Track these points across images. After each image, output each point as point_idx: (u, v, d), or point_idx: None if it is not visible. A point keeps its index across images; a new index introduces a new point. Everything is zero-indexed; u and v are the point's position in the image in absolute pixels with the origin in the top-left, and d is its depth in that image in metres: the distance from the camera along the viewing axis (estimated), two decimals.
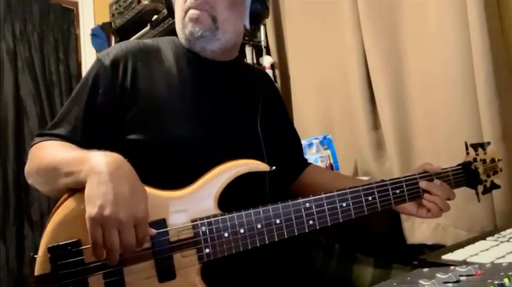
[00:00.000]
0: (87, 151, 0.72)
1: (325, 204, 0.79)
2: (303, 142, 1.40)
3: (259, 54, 2.04)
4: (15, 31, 2.49)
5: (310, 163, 1.13)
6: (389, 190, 0.86)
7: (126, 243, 0.63)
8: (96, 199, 0.63)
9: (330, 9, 1.75)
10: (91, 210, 0.62)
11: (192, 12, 0.85)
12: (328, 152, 1.64)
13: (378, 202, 0.84)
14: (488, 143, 1.02)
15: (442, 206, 0.87)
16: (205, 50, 0.90)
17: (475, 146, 0.99)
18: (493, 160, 1.00)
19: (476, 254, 0.69)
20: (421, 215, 0.90)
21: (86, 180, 0.65)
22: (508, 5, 1.24)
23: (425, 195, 0.88)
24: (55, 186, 0.73)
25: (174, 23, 0.98)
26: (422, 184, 0.88)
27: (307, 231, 0.78)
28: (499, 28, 1.24)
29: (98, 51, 2.62)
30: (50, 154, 0.77)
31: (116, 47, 0.89)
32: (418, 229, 1.42)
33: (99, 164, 0.66)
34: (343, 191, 0.81)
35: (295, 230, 0.77)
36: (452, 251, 0.72)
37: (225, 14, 0.87)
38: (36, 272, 0.65)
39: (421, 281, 0.51)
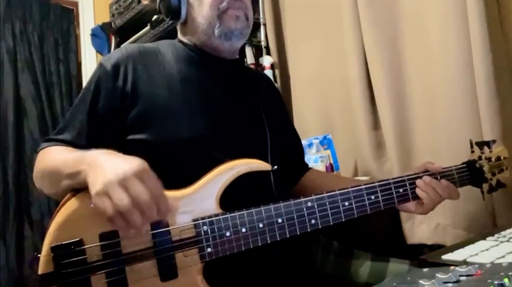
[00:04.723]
0: (86, 151, 0.73)
1: (327, 203, 0.79)
2: (303, 142, 1.40)
3: (259, 54, 2.04)
4: (15, 31, 2.49)
5: (310, 168, 1.13)
6: (393, 189, 0.85)
7: (135, 193, 0.61)
8: (96, 180, 0.64)
9: (330, 9, 1.75)
10: (94, 189, 0.63)
11: (232, 11, 0.90)
12: (328, 152, 1.64)
13: (380, 201, 0.84)
14: (494, 141, 1.00)
15: (436, 199, 0.88)
16: (231, 47, 0.94)
17: (480, 145, 0.98)
18: (498, 158, 0.99)
19: (476, 254, 0.69)
20: (417, 211, 0.91)
21: (87, 179, 0.66)
22: (508, 6, 1.25)
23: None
24: (59, 188, 0.75)
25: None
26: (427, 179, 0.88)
27: (309, 230, 0.77)
28: (499, 28, 1.24)
29: (97, 51, 2.62)
30: (53, 158, 0.79)
31: (116, 52, 0.91)
32: (418, 229, 1.42)
33: (95, 160, 0.68)
34: (345, 191, 0.81)
35: (297, 230, 0.77)
36: (452, 251, 0.72)
37: (251, 12, 0.94)
38: (40, 271, 0.66)
39: (421, 281, 0.52)
